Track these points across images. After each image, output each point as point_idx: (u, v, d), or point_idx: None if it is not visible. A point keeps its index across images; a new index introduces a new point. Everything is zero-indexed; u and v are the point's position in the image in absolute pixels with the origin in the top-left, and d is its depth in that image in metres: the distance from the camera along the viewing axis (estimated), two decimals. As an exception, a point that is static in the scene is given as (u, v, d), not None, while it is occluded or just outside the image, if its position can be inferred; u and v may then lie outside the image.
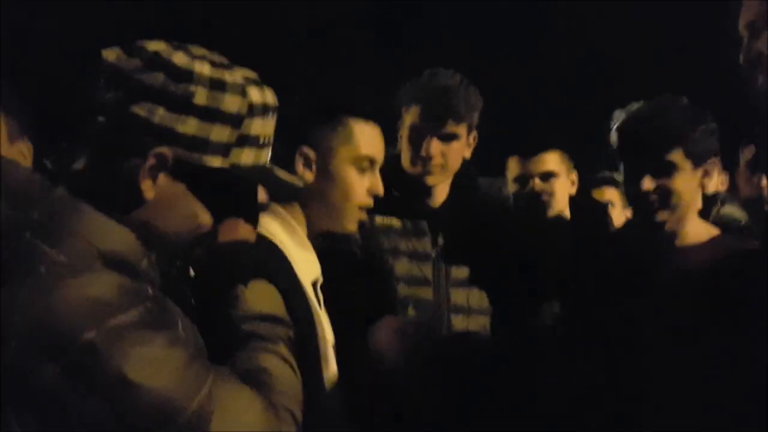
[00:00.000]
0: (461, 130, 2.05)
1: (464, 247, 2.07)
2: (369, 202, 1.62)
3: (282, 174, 1.26)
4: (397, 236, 2.05)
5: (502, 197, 2.50)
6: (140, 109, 1.02)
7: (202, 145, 1.05)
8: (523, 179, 2.35)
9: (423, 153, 2.02)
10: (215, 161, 1.07)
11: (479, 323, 2.03)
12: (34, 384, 0.91)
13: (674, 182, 1.69)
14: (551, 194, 2.32)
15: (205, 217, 1.12)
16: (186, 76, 1.03)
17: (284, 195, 1.58)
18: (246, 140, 1.09)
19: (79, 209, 1.02)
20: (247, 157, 1.10)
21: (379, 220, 2.05)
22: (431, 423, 1.81)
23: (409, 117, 2.07)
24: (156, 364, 0.96)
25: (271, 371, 1.12)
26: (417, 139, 2.04)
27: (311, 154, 1.56)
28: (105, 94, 1.04)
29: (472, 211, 2.12)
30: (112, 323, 0.93)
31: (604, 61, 4.44)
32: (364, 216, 1.63)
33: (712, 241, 1.76)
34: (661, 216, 1.71)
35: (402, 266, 2.01)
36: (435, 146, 2.02)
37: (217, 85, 1.05)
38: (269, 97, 1.13)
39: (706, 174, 1.74)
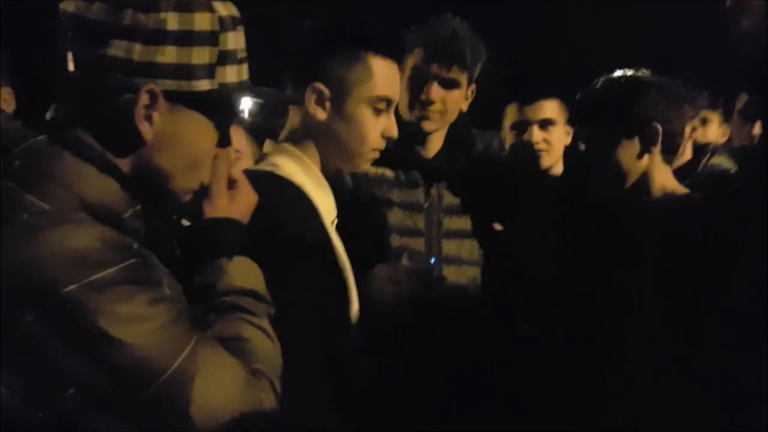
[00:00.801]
0: (463, 78, 2.03)
1: (457, 199, 2.08)
2: (382, 144, 1.54)
3: (264, 89, 1.27)
4: (390, 187, 2.05)
5: (496, 147, 2.50)
6: (117, 51, 1.01)
7: (187, 71, 1.05)
8: (521, 127, 2.31)
9: (423, 97, 1.99)
10: (203, 85, 1.07)
11: (470, 275, 2.05)
12: (13, 334, 0.91)
13: (615, 154, 1.77)
14: (549, 143, 2.30)
15: (207, 148, 1.12)
16: (153, 5, 1.02)
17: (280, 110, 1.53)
18: (226, 57, 1.09)
19: (61, 157, 1.00)
20: (230, 74, 1.10)
21: (372, 170, 2.05)
22: (425, 369, 1.86)
23: (412, 60, 2.03)
24: (137, 322, 0.95)
25: (252, 340, 1.11)
26: (418, 82, 2.01)
27: (325, 91, 1.46)
28: (77, 46, 1.03)
29: (465, 162, 2.12)
30: (94, 277, 0.92)
31: (603, 11, 4.37)
32: (377, 155, 1.55)
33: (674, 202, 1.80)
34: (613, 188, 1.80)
35: (394, 217, 2.02)
36: (436, 91, 1.99)
37: (184, 7, 1.04)
38: (233, 8, 1.12)
39: (650, 142, 1.77)
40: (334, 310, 1.33)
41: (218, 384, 1.00)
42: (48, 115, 1.08)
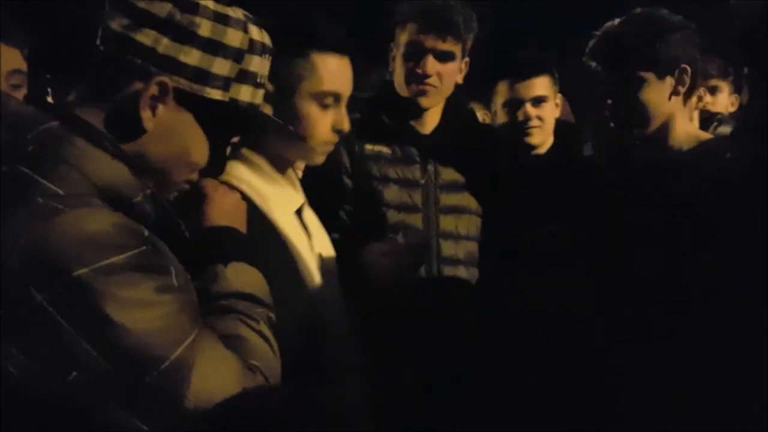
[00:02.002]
0: (457, 50, 2.02)
1: (454, 174, 2.08)
2: (333, 138, 1.53)
3: (272, 118, 1.30)
4: (387, 163, 2.05)
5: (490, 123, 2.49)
6: (145, 38, 1.03)
7: (204, 76, 1.07)
8: (513, 104, 2.31)
9: (419, 71, 1.99)
10: (215, 94, 1.08)
11: (468, 249, 2.06)
12: (20, 314, 0.92)
13: (642, 95, 1.74)
14: (542, 119, 2.29)
15: (201, 154, 1.13)
16: (192, 7, 1.04)
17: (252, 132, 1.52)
18: (245, 76, 1.11)
19: (74, 143, 1.01)
20: (245, 94, 1.12)
21: (368, 147, 2.05)
22: (420, 345, 1.86)
23: (405, 35, 2.03)
24: (142, 308, 0.95)
25: (249, 339, 1.11)
26: (413, 56, 2.01)
27: (269, 87, 1.44)
28: (109, 22, 1.04)
29: (462, 138, 2.11)
30: (105, 262, 0.93)
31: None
32: (330, 149, 1.56)
33: (700, 146, 1.78)
34: (638, 129, 1.78)
35: (392, 193, 2.03)
36: (431, 64, 1.99)
37: (221, 19, 1.07)
38: (266, 38, 1.15)
39: (680, 83, 1.76)
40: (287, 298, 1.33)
41: (215, 376, 1.00)
42: (59, 98, 1.09)
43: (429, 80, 2.00)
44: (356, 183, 2.03)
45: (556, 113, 2.37)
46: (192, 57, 1.05)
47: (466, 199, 2.08)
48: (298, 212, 1.59)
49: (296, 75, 1.47)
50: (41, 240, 0.92)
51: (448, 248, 2.03)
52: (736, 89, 3.22)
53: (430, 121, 2.11)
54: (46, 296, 0.91)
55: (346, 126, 1.53)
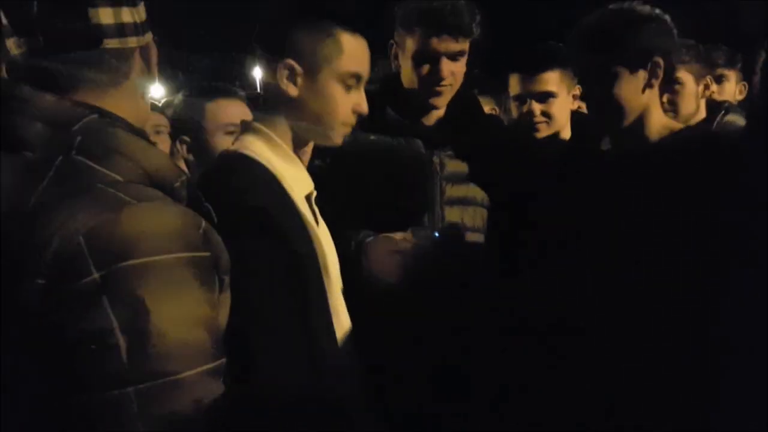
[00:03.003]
0: (467, 45, 2.01)
1: (460, 165, 2.07)
2: (353, 120, 1.56)
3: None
4: None
5: (501, 114, 2.48)
6: (129, 15, 1.10)
7: (148, 25, 1.16)
8: (522, 98, 2.31)
9: (435, 75, 1.97)
10: (149, 35, 1.18)
11: (473, 240, 2.04)
12: (76, 287, 0.93)
13: (616, 89, 1.73)
14: (549, 114, 2.28)
15: None
16: None
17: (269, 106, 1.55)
18: None
19: (117, 133, 1.05)
20: None
21: (373, 139, 2.04)
22: (425, 339, 1.85)
23: (412, 40, 1.99)
24: (181, 316, 0.96)
25: None
26: (425, 61, 1.98)
27: (297, 67, 1.49)
28: (95, 20, 1.07)
29: (467, 128, 2.09)
30: (163, 257, 0.96)
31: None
32: (349, 130, 1.58)
33: (672, 136, 1.79)
34: (614, 122, 1.77)
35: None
36: (446, 66, 1.97)
37: None
38: None
39: (653, 76, 1.75)
40: (306, 283, 1.38)
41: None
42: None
43: (444, 82, 1.99)
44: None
45: (572, 106, 2.36)
46: (143, 11, 1.14)
47: (472, 191, 2.06)
48: (307, 198, 1.58)
49: (323, 55, 1.49)
50: (110, 226, 0.95)
51: (453, 240, 2.02)
52: (745, 77, 3.20)
53: (435, 112, 2.09)
54: (101, 275, 0.92)
55: (365, 108, 1.56)
